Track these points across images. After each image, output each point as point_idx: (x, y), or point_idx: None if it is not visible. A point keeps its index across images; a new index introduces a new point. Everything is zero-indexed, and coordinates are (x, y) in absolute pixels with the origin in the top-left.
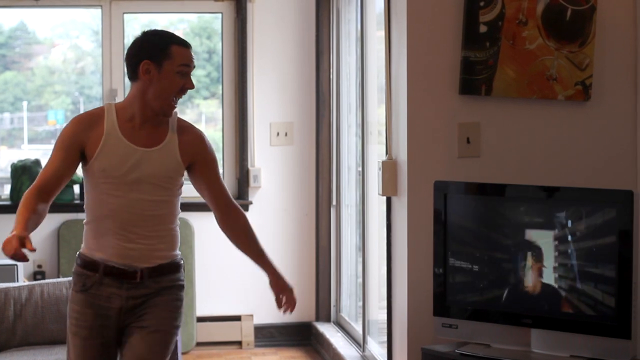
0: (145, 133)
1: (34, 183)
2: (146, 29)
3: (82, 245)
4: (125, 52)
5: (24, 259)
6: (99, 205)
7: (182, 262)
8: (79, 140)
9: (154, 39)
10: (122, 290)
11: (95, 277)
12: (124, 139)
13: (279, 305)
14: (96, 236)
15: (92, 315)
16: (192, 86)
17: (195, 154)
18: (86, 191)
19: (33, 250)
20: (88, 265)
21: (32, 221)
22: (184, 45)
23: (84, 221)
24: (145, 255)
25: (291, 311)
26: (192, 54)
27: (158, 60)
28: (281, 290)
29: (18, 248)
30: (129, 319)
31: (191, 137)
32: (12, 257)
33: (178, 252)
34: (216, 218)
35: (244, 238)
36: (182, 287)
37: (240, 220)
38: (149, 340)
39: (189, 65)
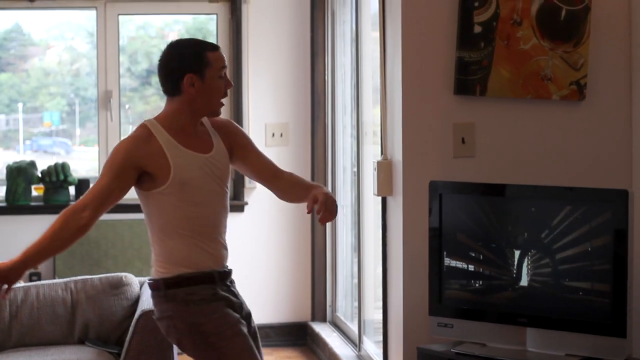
0: (198, 141)
1: (76, 203)
2: (171, 42)
3: (176, 268)
4: (158, 68)
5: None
6: (189, 219)
7: None
8: (137, 159)
9: (189, 52)
10: (229, 291)
11: (215, 285)
12: (187, 150)
13: (310, 207)
14: (196, 250)
15: (231, 312)
16: (231, 85)
17: (232, 141)
18: (161, 213)
19: (3, 298)
20: (200, 279)
21: (45, 249)
22: (216, 48)
23: (166, 245)
24: (226, 256)
25: (331, 217)
26: (222, 54)
27: (200, 72)
28: (316, 197)
29: None
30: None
31: (226, 129)
32: None
33: None
34: (277, 194)
35: (300, 193)
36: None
37: (288, 178)
38: (252, 336)
39: (224, 66)
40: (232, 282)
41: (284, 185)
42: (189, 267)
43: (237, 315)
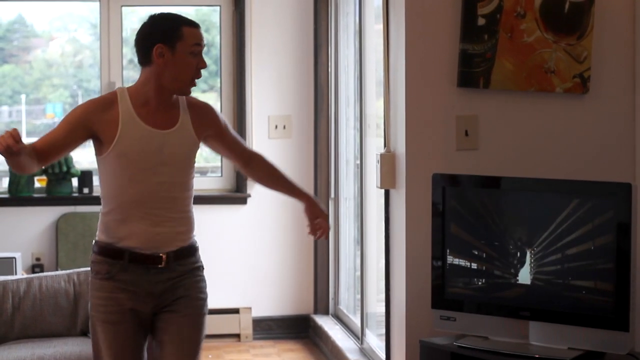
0: (160, 116)
1: (33, 142)
2: (153, 13)
3: (100, 235)
4: (135, 37)
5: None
6: (122, 192)
7: (197, 244)
8: (91, 121)
9: (164, 22)
10: (150, 275)
11: (120, 264)
12: (142, 123)
13: (313, 231)
14: (120, 224)
15: (123, 299)
16: (204, 65)
17: (208, 127)
18: (104, 180)
19: (18, 148)
20: (110, 253)
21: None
22: (193, 25)
23: (103, 211)
24: (169, 239)
25: (326, 237)
26: (202, 33)
27: (171, 43)
28: (316, 215)
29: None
30: (159, 304)
31: (201, 111)
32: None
33: (194, 234)
34: (243, 172)
35: (272, 178)
36: (202, 267)
37: (262, 163)
38: (183, 324)
39: (200, 44)
40: (167, 268)
41: (259, 172)
42: (108, 237)
43: (125, 305)
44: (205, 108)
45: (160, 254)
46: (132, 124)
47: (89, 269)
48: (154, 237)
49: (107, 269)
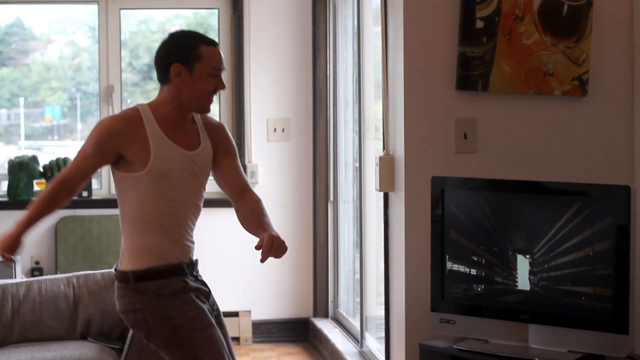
0: (185, 136)
1: (61, 175)
2: (173, 31)
3: (147, 260)
4: (154, 55)
5: (10, 260)
6: (159, 211)
7: None
8: (119, 143)
9: (182, 40)
10: (194, 282)
11: (186, 277)
12: (171, 142)
13: (261, 248)
14: (169, 243)
15: (201, 303)
16: (223, 87)
17: (219, 146)
18: (134, 198)
19: (12, 260)
20: (172, 271)
21: (41, 215)
22: (212, 44)
23: (130, 234)
24: (191, 251)
25: (276, 256)
26: (221, 52)
27: (189, 64)
28: (266, 235)
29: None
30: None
31: (216, 131)
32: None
33: None
34: (236, 211)
35: (253, 218)
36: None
37: (253, 203)
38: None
39: (219, 67)
40: (197, 271)
41: (244, 209)
42: (159, 259)
43: (206, 306)
44: (220, 128)
45: (194, 260)
46: (162, 143)
47: (88, 272)
48: (190, 246)
49: (181, 284)
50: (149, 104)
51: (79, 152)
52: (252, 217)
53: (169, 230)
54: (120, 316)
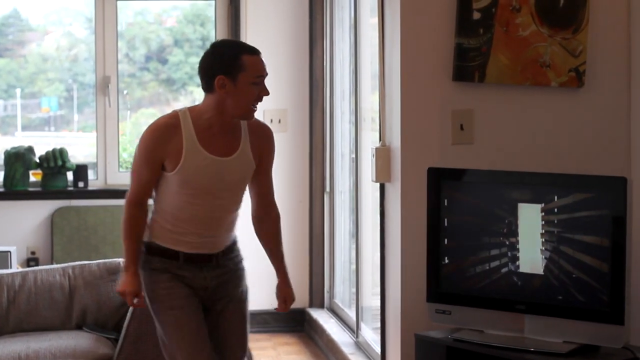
0: (223, 142)
1: (130, 196)
2: (215, 41)
3: (154, 235)
4: (198, 66)
5: (141, 303)
6: (179, 210)
7: (236, 237)
8: (162, 152)
9: (224, 51)
10: (203, 272)
11: (176, 263)
12: (204, 151)
13: (280, 307)
14: (174, 234)
15: (183, 286)
16: (267, 93)
17: (262, 152)
18: (163, 192)
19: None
20: (166, 254)
21: (139, 244)
22: (254, 53)
23: (156, 218)
24: (219, 243)
25: (284, 310)
26: (263, 60)
27: (232, 74)
28: (284, 298)
29: (131, 303)
30: (212, 297)
31: (262, 133)
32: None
33: None
34: (252, 211)
35: (271, 238)
36: (242, 258)
37: (275, 220)
38: (236, 310)
39: (262, 75)
40: (218, 265)
41: (264, 226)
42: (162, 242)
43: (187, 291)
44: (267, 138)
45: (211, 254)
46: (194, 152)
47: (83, 262)
48: (206, 244)
49: (165, 265)
50: (191, 109)
51: (133, 169)
52: (271, 241)
53: (179, 224)
54: (115, 307)
